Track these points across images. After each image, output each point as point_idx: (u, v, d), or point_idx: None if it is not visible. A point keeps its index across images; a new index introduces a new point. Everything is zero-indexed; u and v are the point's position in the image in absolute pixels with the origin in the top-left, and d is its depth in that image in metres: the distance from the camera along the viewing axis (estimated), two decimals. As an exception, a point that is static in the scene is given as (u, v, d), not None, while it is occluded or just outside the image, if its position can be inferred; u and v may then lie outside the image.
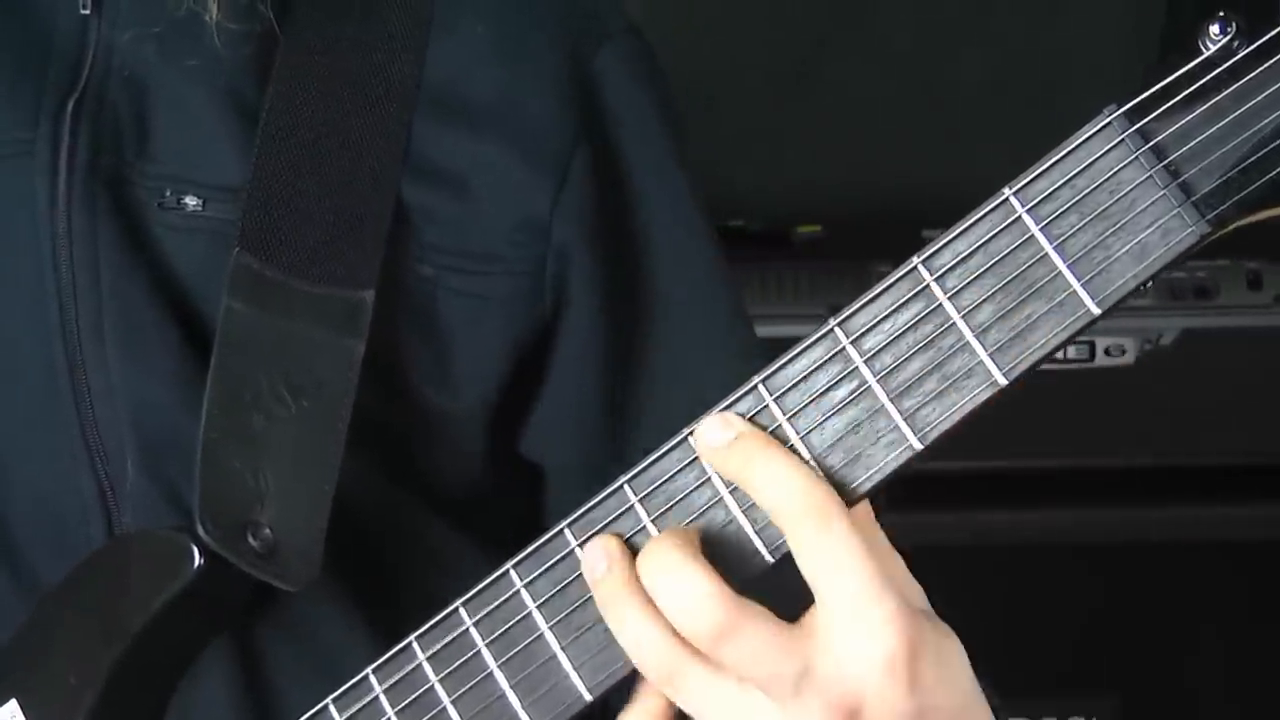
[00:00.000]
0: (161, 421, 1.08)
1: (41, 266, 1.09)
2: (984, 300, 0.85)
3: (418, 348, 1.12)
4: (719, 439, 0.89)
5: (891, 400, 0.86)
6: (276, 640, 1.11)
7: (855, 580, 0.86)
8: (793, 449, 0.88)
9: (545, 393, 1.15)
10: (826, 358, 0.87)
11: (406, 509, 1.14)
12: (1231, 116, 0.81)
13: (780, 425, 0.88)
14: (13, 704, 1.04)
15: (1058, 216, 0.84)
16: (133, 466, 1.09)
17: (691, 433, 0.90)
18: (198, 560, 1.03)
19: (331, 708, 0.98)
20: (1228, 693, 2.27)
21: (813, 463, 0.88)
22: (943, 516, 2.20)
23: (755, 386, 0.89)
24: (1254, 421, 2.28)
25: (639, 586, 0.89)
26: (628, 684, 0.93)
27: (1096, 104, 0.88)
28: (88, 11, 1.10)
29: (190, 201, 1.10)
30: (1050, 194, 0.84)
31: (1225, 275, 2.25)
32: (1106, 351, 2.22)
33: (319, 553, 1.05)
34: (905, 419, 0.86)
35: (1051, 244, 0.84)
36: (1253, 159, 0.82)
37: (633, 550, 0.90)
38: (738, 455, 0.89)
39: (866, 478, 0.88)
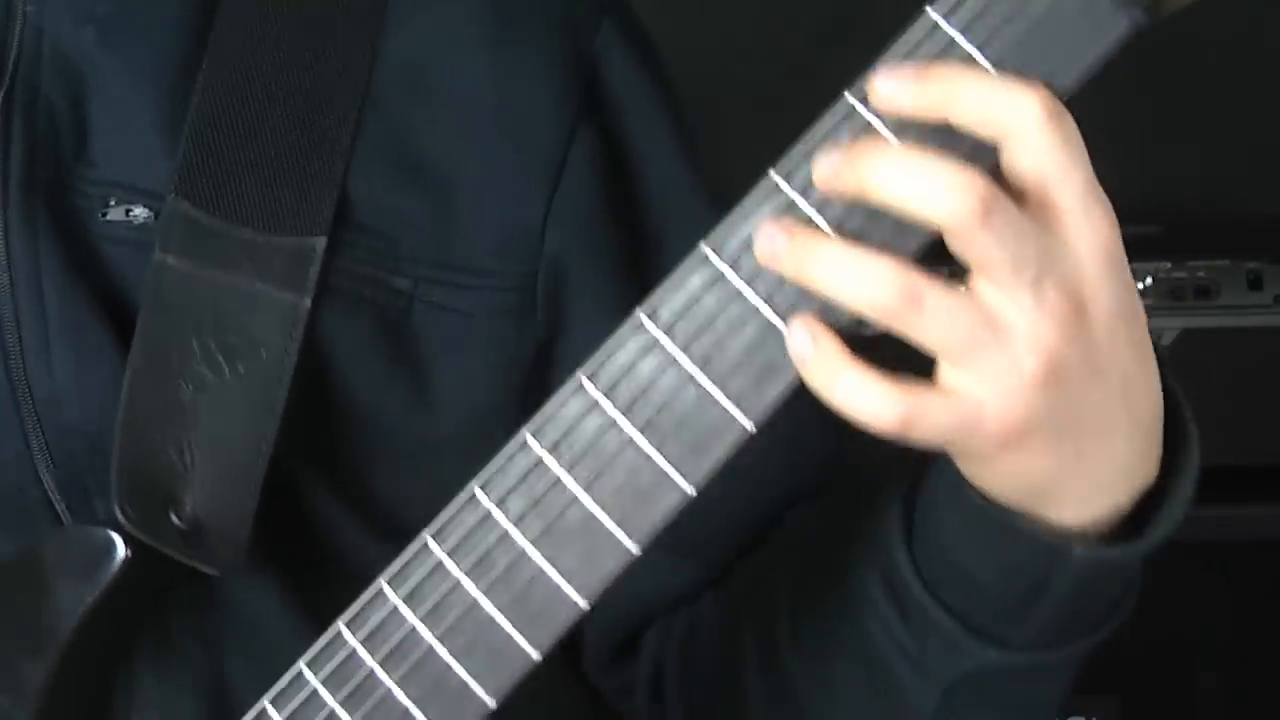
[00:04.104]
0: None
1: None
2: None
3: (392, 369, 1.05)
4: (898, 85, 0.84)
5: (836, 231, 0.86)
6: (246, 673, 1.05)
7: (1084, 174, 0.85)
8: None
9: None
10: (781, 211, 0.86)
11: (363, 542, 1.08)
12: None
13: (740, 290, 0.87)
14: (-59, 735, 1.00)
15: (984, 25, 0.84)
16: (102, 510, 1.02)
17: (650, 314, 0.87)
18: (122, 553, 0.98)
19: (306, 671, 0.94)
20: (1228, 693, 2.27)
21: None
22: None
23: (706, 256, 0.87)
24: (1254, 421, 2.28)
25: (835, 236, 0.84)
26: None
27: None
28: None
29: (139, 213, 1.03)
30: (973, 3, 0.84)
31: (1225, 275, 2.24)
32: (1107, 352, 2.21)
33: (246, 535, 0.99)
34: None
35: (982, 54, 0.84)
36: None
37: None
38: (937, 79, 0.84)
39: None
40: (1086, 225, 0.84)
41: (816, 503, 1.12)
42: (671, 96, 1.14)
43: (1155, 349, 0.90)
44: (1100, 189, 0.85)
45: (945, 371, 0.86)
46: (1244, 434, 2.31)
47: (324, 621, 1.03)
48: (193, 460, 0.99)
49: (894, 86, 0.84)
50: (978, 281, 0.85)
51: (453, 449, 1.08)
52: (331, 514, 1.06)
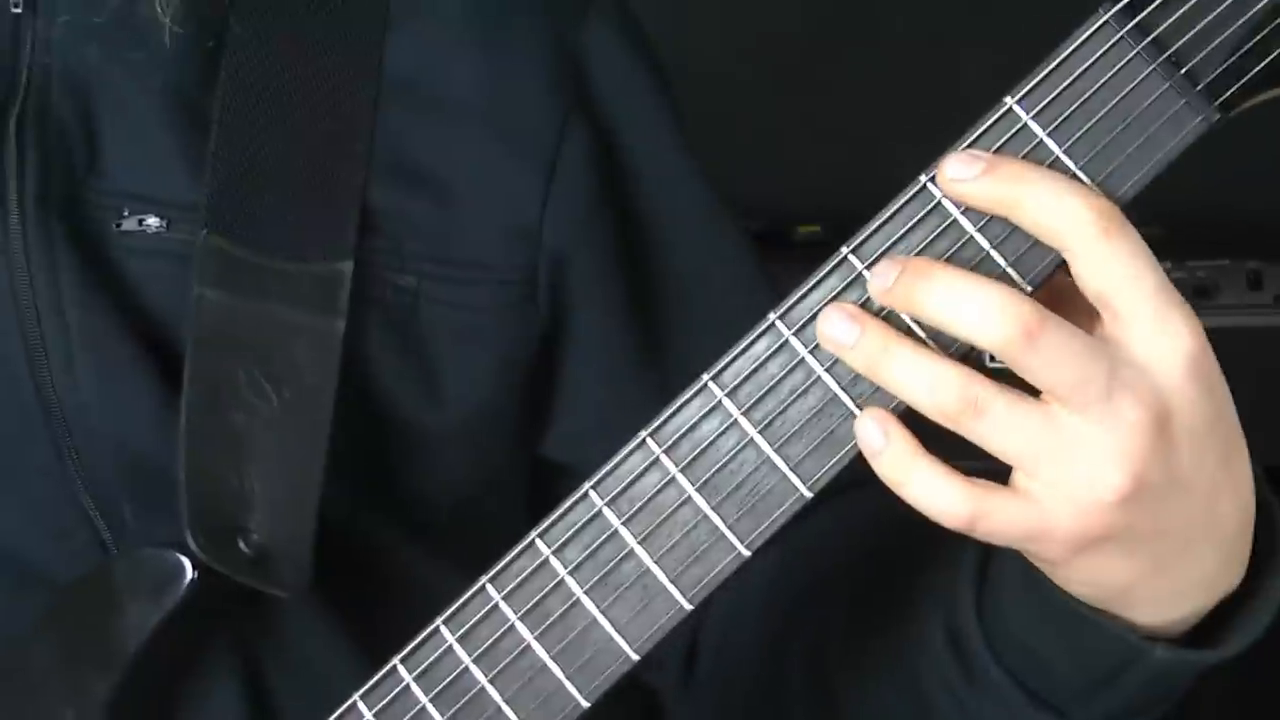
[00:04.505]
0: (153, 466, 1.02)
1: (3, 309, 1.03)
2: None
3: (400, 364, 1.06)
4: (967, 172, 0.83)
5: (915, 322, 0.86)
6: (282, 675, 1.06)
7: (1154, 282, 0.83)
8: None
9: (564, 402, 1.10)
10: (841, 287, 0.86)
11: (385, 544, 1.09)
12: (1226, 3, 0.82)
13: (803, 358, 0.87)
14: (8, 745, 1.00)
15: (1064, 121, 0.84)
16: (130, 514, 1.03)
17: (714, 377, 0.87)
18: (190, 576, 0.99)
19: (360, 704, 0.95)
20: (1227, 694, 2.27)
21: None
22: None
23: (773, 323, 0.88)
24: (1254, 421, 2.28)
25: (901, 334, 0.84)
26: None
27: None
28: (19, 10, 1.03)
29: (152, 222, 1.04)
30: (1053, 100, 0.84)
31: (1225, 275, 2.24)
32: (1108, 352, 2.21)
33: (309, 555, 1.00)
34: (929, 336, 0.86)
35: (1061, 148, 0.84)
36: (1253, 42, 0.83)
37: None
38: (1003, 179, 0.83)
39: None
40: (1161, 334, 0.83)
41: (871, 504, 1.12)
42: (661, 81, 1.14)
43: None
44: (1176, 294, 0.84)
45: (1019, 476, 0.85)
46: (1244, 434, 2.32)
47: (351, 627, 1.06)
48: (253, 486, 1.01)
49: (961, 171, 0.83)
50: (1047, 397, 0.84)
51: (460, 442, 1.09)
52: (355, 515, 1.07)
